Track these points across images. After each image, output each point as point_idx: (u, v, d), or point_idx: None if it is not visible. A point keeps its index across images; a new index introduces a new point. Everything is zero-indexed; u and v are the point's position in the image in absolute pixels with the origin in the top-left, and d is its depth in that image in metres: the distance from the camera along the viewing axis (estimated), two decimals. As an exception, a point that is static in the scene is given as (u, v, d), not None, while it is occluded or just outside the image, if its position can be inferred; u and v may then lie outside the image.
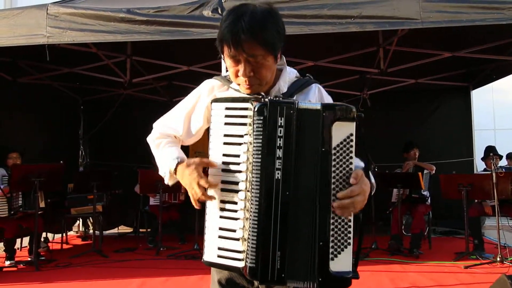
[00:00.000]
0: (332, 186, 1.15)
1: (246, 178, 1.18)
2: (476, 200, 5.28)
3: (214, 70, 5.52)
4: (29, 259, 5.01)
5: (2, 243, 5.04)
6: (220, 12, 3.67)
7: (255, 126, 1.15)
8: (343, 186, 1.15)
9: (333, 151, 1.14)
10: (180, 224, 6.20)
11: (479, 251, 4.93)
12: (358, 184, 1.15)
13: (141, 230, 6.59)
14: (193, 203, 1.28)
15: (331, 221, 1.15)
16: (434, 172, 5.66)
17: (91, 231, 6.39)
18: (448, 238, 6.38)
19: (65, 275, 4.38)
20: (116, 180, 6.07)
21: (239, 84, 1.30)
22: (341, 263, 1.15)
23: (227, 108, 1.23)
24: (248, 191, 1.17)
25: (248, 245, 1.15)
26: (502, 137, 9.69)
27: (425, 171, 5.64)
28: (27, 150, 5.48)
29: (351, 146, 1.14)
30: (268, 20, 1.21)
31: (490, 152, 5.40)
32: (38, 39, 3.81)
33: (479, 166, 6.61)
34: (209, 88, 1.44)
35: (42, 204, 5.23)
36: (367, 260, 4.80)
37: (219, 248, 1.22)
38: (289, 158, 1.14)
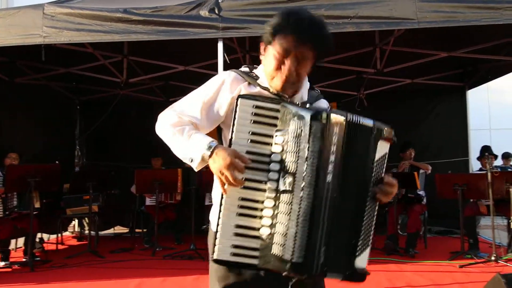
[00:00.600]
0: (369, 193, 1.29)
1: (279, 177, 1.22)
2: (471, 200, 5.31)
3: (211, 70, 5.52)
4: (24, 259, 4.98)
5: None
6: (217, 12, 3.67)
7: (312, 131, 1.20)
8: (377, 190, 1.31)
9: (374, 164, 1.28)
10: (176, 224, 6.19)
11: (474, 250, 4.95)
12: (392, 181, 1.32)
13: (137, 230, 6.57)
14: (221, 188, 1.25)
15: (364, 222, 1.28)
16: (430, 171, 5.69)
17: (86, 231, 6.36)
18: (443, 237, 6.41)
19: (61, 275, 4.36)
20: (112, 180, 6.05)
21: (272, 78, 1.34)
22: (363, 259, 1.28)
23: (256, 107, 1.24)
24: (284, 191, 1.21)
25: (293, 241, 1.19)
26: (498, 137, 9.74)
27: (421, 171, 5.66)
28: (24, 150, 5.46)
29: (384, 163, 1.32)
30: (323, 27, 1.33)
31: (486, 152, 5.43)
32: (35, 39, 3.80)
33: (475, 165, 6.64)
34: (231, 81, 1.40)
35: (37, 205, 5.20)
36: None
37: (234, 246, 1.22)
38: (339, 164, 1.23)
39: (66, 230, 6.95)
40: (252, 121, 1.24)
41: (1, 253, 4.92)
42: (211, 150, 1.26)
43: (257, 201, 1.23)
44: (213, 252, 1.24)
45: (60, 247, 5.99)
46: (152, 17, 3.68)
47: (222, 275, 1.37)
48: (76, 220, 7.00)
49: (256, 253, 1.23)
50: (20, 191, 5.00)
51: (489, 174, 4.66)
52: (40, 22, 3.78)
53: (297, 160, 1.21)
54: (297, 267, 1.20)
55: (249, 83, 1.39)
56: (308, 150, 1.20)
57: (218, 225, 1.24)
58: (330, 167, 1.21)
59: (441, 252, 5.12)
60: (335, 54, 5.64)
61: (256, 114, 1.24)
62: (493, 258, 4.50)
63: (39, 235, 5.67)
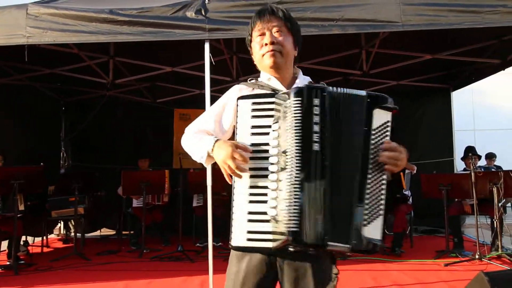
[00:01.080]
0: (370, 160, 1.31)
1: (278, 160, 1.31)
2: (456, 199, 5.39)
3: (198, 71, 5.53)
4: (7, 263, 4.91)
5: (-20, 247, 4.93)
6: (203, 13, 3.67)
7: (293, 107, 1.29)
8: (379, 158, 1.32)
9: (372, 132, 1.32)
10: (164, 226, 6.16)
11: (459, 249, 5.04)
12: (395, 146, 1.34)
13: (124, 232, 6.51)
14: (226, 178, 1.39)
15: (367, 191, 1.29)
16: (415, 172, 5.75)
17: (72, 233, 6.28)
18: (429, 236, 6.51)
19: (46, 279, 4.30)
20: (98, 182, 6.00)
21: (263, 59, 1.49)
22: (373, 230, 1.28)
23: (253, 103, 1.37)
24: (280, 170, 1.30)
25: (287, 214, 1.26)
26: (482, 137, 9.93)
27: (407, 171, 5.72)
28: (7, 152, 5.37)
29: (387, 131, 1.34)
30: (292, 17, 1.52)
31: (470, 152, 5.52)
32: (18, 39, 3.74)
33: (459, 166, 6.75)
34: (237, 90, 1.56)
35: (21, 207, 5.12)
36: (350, 259, 4.84)
37: (249, 232, 1.32)
38: (325, 133, 1.29)
39: (51, 232, 6.86)
40: (251, 117, 1.36)
41: (-16, 256, 4.84)
42: (213, 144, 1.40)
43: (263, 187, 1.32)
44: (230, 239, 1.34)
45: (46, 250, 5.92)
46: (138, 18, 3.66)
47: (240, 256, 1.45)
48: (62, 223, 6.92)
49: (269, 236, 1.30)
50: (3, 194, 4.92)
51: (472, 174, 4.74)
52: (24, 22, 3.72)
53: (287, 137, 1.30)
54: (295, 236, 1.25)
55: (253, 89, 1.53)
56: (293, 125, 1.28)
57: (232, 213, 1.34)
58: (316, 137, 1.27)
59: (427, 251, 5.20)
60: (321, 56, 5.70)
61: (254, 110, 1.36)
62: (477, 256, 4.58)
63: (23, 238, 5.59)
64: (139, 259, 5.15)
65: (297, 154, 1.27)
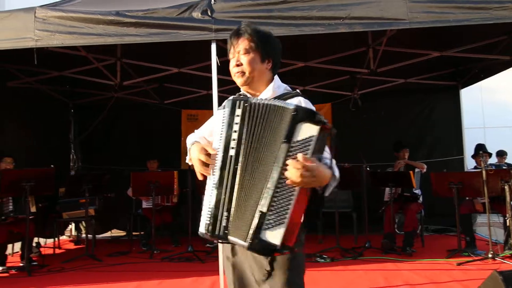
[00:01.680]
0: (283, 171, 1.35)
1: (222, 159, 1.48)
2: (467, 198, 5.33)
3: (205, 72, 5.54)
4: (21, 264, 4.96)
5: (-7, 249, 4.98)
6: (209, 14, 3.68)
7: (222, 116, 1.48)
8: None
9: (292, 144, 1.36)
10: (174, 227, 6.19)
11: (471, 248, 4.98)
12: (310, 163, 1.33)
13: (134, 233, 6.55)
14: (198, 175, 1.57)
15: (275, 198, 1.36)
16: (425, 170, 5.71)
17: (83, 235, 6.33)
18: (440, 236, 6.43)
19: (58, 280, 4.34)
20: (108, 184, 6.04)
21: (234, 76, 1.64)
22: (273, 235, 1.36)
23: (222, 112, 1.51)
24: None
25: (209, 207, 1.47)
26: (491, 135, 9.81)
27: (416, 170, 5.69)
28: (18, 155, 5.43)
29: (310, 145, 1.35)
30: (261, 31, 1.63)
31: (480, 150, 5.46)
32: (26, 43, 3.78)
33: (470, 164, 6.68)
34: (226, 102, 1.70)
35: (33, 209, 5.18)
36: (361, 259, 4.83)
37: (206, 220, 1.48)
38: (241, 140, 1.43)
39: (62, 234, 6.92)
40: (220, 124, 1.50)
41: (-2, 258, 4.90)
42: (190, 146, 1.64)
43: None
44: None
45: (57, 251, 5.97)
46: (144, 19, 3.67)
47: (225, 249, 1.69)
48: (73, 224, 6.97)
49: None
50: (15, 196, 4.97)
51: (483, 172, 4.68)
52: (32, 26, 3.76)
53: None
54: (207, 227, 1.46)
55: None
56: (221, 131, 1.47)
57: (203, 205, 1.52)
58: (233, 144, 1.44)
59: (438, 250, 5.15)
60: (328, 55, 5.68)
61: (221, 117, 1.51)
62: (490, 255, 4.52)
63: (35, 239, 5.65)
64: (150, 260, 5.17)
65: (218, 158, 1.46)
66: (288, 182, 1.33)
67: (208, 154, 1.52)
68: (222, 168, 1.45)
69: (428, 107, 7.17)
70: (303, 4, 3.61)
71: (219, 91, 3.63)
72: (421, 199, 5.69)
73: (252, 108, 1.44)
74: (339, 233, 5.30)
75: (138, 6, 3.81)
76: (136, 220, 6.40)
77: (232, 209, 1.42)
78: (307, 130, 1.35)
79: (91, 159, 7.50)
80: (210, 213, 1.45)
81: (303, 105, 1.54)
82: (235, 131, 1.44)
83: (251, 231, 1.38)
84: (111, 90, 6.53)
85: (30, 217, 4.85)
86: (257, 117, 1.43)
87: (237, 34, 1.61)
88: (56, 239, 6.11)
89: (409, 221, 5.29)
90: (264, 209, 1.36)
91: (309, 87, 6.69)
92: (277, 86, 1.66)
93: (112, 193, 6.46)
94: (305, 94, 5.93)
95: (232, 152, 1.44)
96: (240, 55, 1.60)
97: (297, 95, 1.64)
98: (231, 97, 1.54)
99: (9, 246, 5.31)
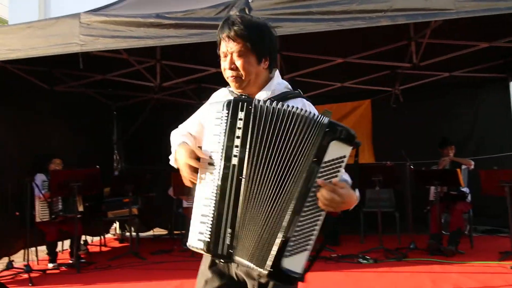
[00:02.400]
0: (311, 194, 1.24)
1: (219, 167, 1.32)
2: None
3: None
4: (70, 261, 5.18)
5: (45, 246, 5.23)
6: (247, 12, 3.66)
7: (222, 119, 1.30)
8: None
9: (323, 164, 1.23)
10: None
11: (526, 250, 4.69)
12: (343, 187, 1.25)
13: (175, 232, 6.68)
14: (185, 182, 1.43)
15: (299, 223, 1.24)
16: (472, 167, 5.43)
17: (127, 233, 6.52)
18: (491, 236, 6.10)
19: (105, 277, 4.49)
20: (150, 183, 6.18)
21: (227, 79, 1.48)
22: (294, 263, 1.25)
23: (217, 112, 1.35)
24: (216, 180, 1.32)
25: (207, 223, 1.30)
26: (546, 129, 9.19)
27: (463, 167, 5.42)
28: (65, 156, 5.68)
29: (340, 167, 1.25)
30: (256, 25, 1.43)
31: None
32: (72, 48, 3.92)
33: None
34: (217, 95, 1.60)
35: (80, 208, 5.40)
36: (405, 260, 4.66)
37: (200, 233, 1.33)
38: (245, 148, 1.27)
39: (108, 232, 7.17)
40: (214, 125, 1.35)
41: (49, 255, 5.14)
42: (176, 148, 1.49)
43: (212, 192, 1.33)
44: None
45: (103, 249, 6.18)
46: (183, 20, 3.71)
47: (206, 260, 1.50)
48: (117, 223, 7.20)
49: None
50: (64, 195, 5.20)
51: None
52: (77, 31, 3.89)
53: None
54: (207, 245, 1.30)
55: (227, 93, 1.55)
56: (220, 136, 1.30)
57: (192, 214, 1.37)
58: (236, 151, 1.27)
59: (489, 252, 4.87)
60: (367, 49, 5.52)
61: (216, 118, 1.34)
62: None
63: (83, 237, 5.88)
64: (192, 258, 5.20)
65: (218, 167, 1.29)
66: (322, 207, 1.24)
67: (198, 158, 1.37)
68: (224, 179, 1.28)
69: (476, 101, 6.81)
70: (343, -3, 3.52)
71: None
72: (469, 198, 5.42)
73: (261, 112, 1.28)
74: (381, 233, 5.15)
75: (177, 7, 3.86)
76: (177, 219, 6.51)
77: (237, 226, 1.28)
78: (340, 150, 1.23)
79: (133, 160, 7.71)
80: (209, 228, 1.29)
81: (307, 108, 1.40)
82: (238, 137, 1.28)
83: (270, 257, 1.25)
84: (151, 91, 6.67)
85: (78, 216, 5.05)
86: (269, 124, 1.26)
87: (229, 30, 1.40)
88: (102, 237, 6.33)
89: (454, 220, 5.06)
90: (288, 234, 1.24)
91: (347, 83, 6.54)
92: (276, 83, 1.51)
93: (154, 193, 6.61)
94: (343, 91, 5.81)
95: (235, 161, 1.27)
96: (234, 56, 1.42)
97: (298, 96, 1.50)
98: (227, 97, 1.42)
99: (59, 243, 5.55)
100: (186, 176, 1.41)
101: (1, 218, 4.74)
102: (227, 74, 1.46)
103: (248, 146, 1.27)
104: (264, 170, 1.27)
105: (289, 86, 1.55)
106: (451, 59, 5.59)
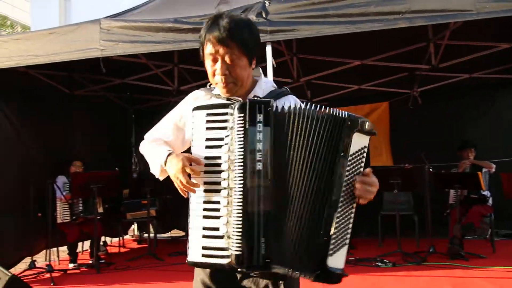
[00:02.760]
0: (343, 188, 1.23)
1: (228, 176, 1.26)
2: (544, 200, 4.90)
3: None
4: (90, 262, 5.28)
5: (66, 247, 5.34)
6: (264, 16, 3.68)
7: (237, 123, 1.24)
8: (353, 186, 1.25)
9: (349, 158, 1.23)
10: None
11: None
12: (371, 177, 1.26)
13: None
14: (181, 192, 1.35)
15: (337, 219, 1.22)
16: (494, 170, 5.33)
17: (145, 235, 6.61)
18: (513, 241, 5.97)
19: (125, 277, 4.56)
20: (166, 186, 6.23)
21: (216, 84, 1.41)
22: (337, 259, 1.23)
23: (208, 114, 1.31)
24: (230, 188, 1.25)
25: (233, 234, 1.21)
26: None
27: (484, 170, 5.32)
28: (85, 159, 5.79)
29: (363, 157, 1.25)
30: (246, 25, 1.36)
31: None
32: (93, 53, 4.01)
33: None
34: (193, 98, 1.52)
35: (100, 210, 5.49)
36: (425, 264, 4.59)
37: (204, 248, 1.27)
38: (269, 151, 1.22)
39: (126, 233, 7.27)
40: (206, 128, 1.31)
41: (70, 255, 5.25)
42: (165, 158, 1.38)
43: (216, 202, 1.27)
44: (187, 254, 1.31)
45: (122, 250, 6.28)
46: (201, 25, 3.70)
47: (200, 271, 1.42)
48: (136, 224, 7.30)
49: (224, 253, 1.25)
50: (84, 197, 5.30)
51: None
52: (97, 36, 3.98)
53: (234, 154, 1.24)
54: (237, 258, 1.21)
55: (211, 96, 1.47)
56: (236, 141, 1.23)
57: (189, 228, 1.31)
58: (259, 156, 1.21)
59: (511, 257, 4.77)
60: (384, 52, 5.47)
61: (208, 121, 1.31)
62: None
63: (102, 238, 5.99)
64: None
65: (240, 174, 1.22)
66: (359, 201, 1.25)
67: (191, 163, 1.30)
68: (246, 187, 1.21)
69: (496, 103, 6.67)
70: (359, 0, 3.51)
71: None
72: (490, 201, 5.32)
73: (280, 113, 1.24)
74: (399, 236, 5.09)
75: (194, 12, 3.90)
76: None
77: (271, 234, 1.21)
78: (361, 141, 1.24)
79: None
80: (238, 240, 1.20)
81: (297, 105, 1.38)
82: (259, 141, 1.22)
83: (315, 260, 1.22)
84: (169, 95, 6.75)
85: (98, 217, 5.14)
86: (291, 124, 1.23)
87: (219, 32, 1.30)
88: (121, 238, 6.43)
89: (470, 216, 4.97)
90: (330, 232, 1.22)
91: (365, 85, 6.49)
92: (264, 82, 1.47)
93: (171, 195, 6.68)
94: (361, 93, 5.76)
95: (259, 166, 1.21)
96: (226, 60, 1.34)
97: (288, 93, 1.48)
98: (243, 101, 1.30)
99: (79, 244, 5.66)
100: (182, 186, 1.31)
101: (24, 219, 4.86)
102: (217, 79, 1.38)
103: (271, 150, 1.22)
104: (292, 172, 1.23)
105: (275, 84, 1.53)
106: (471, 61, 5.49)
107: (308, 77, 6.01)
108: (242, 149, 1.23)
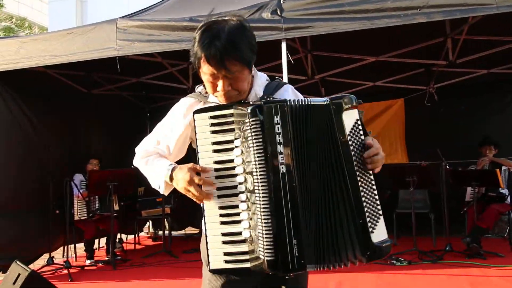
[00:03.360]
0: (355, 167, 1.25)
1: (245, 180, 1.24)
2: None
3: (275, 71, 5.52)
4: (106, 258, 5.35)
5: (83, 244, 5.43)
6: (279, 13, 3.67)
7: (252, 128, 1.20)
8: (362, 160, 1.27)
9: (348, 137, 1.24)
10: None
11: None
12: (374, 145, 1.28)
13: (207, 231, 6.76)
14: (196, 201, 1.32)
15: (364, 198, 1.24)
16: (514, 168, 5.23)
17: (160, 232, 6.67)
18: (532, 240, 5.84)
19: (140, 274, 4.61)
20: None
21: (216, 97, 1.38)
22: (380, 233, 1.25)
23: (211, 117, 1.28)
24: (249, 191, 1.23)
25: (262, 239, 1.19)
26: None
27: (503, 168, 5.22)
28: (102, 157, 5.87)
29: (360, 129, 1.27)
30: (242, 37, 1.31)
31: None
32: (109, 52, 4.06)
33: None
34: (186, 106, 1.49)
35: (116, 207, 5.56)
36: (441, 263, 4.54)
37: (225, 254, 1.27)
38: (295, 152, 1.21)
39: (142, 231, 7.35)
40: (211, 132, 1.28)
41: (87, 252, 5.33)
42: (169, 173, 1.35)
43: (234, 207, 1.27)
44: (208, 263, 1.30)
45: (138, 247, 6.35)
46: (216, 23, 3.76)
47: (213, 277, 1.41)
48: (150, 221, 7.37)
49: (246, 257, 1.25)
50: (100, 195, 5.38)
51: None
52: (114, 36, 4.02)
53: (251, 158, 1.21)
54: (272, 265, 1.20)
55: (204, 102, 1.45)
56: (254, 146, 1.20)
57: (206, 236, 1.30)
58: (281, 158, 1.19)
59: (531, 256, 4.69)
60: (400, 48, 5.40)
61: (213, 124, 1.28)
62: None
63: (118, 235, 6.06)
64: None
65: (263, 179, 1.20)
66: (373, 170, 1.28)
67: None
68: (276, 189, 1.19)
69: (516, 99, 6.56)
70: (376, -6, 3.47)
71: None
72: (508, 199, 5.22)
73: (293, 111, 1.23)
74: (415, 235, 5.03)
75: (210, 10, 3.90)
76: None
77: (302, 235, 1.20)
78: (351, 116, 1.26)
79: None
80: (269, 245, 1.18)
81: (294, 93, 1.47)
82: (280, 143, 1.20)
83: (360, 243, 1.23)
84: (184, 93, 6.75)
85: (114, 215, 5.21)
86: (299, 122, 1.23)
87: (217, 53, 1.26)
88: (136, 235, 6.50)
89: (485, 217, 4.88)
90: (362, 213, 1.23)
91: (379, 82, 6.43)
92: (259, 77, 1.47)
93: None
94: (376, 90, 5.69)
95: (283, 169, 1.19)
96: (227, 79, 1.30)
97: (283, 83, 1.50)
98: (253, 102, 1.28)
99: (95, 241, 5.75)
100: (198, 195, 1.28)
101: (43, 216, 4.95)
102: (218, 94, 1.35)
103: (292, 150, 1.21)
104: (309, 168, 1.23)
105: (267, 77, 1.52)
106: (489, 56, 5.39)
107: (323, 74, 5.97)
108: (263, 153, 1.20)
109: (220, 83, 1.31)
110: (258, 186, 1.20)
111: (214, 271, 1.30)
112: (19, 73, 4.46)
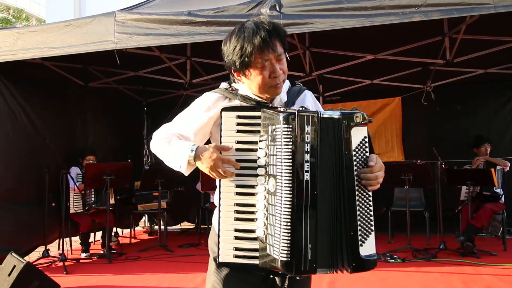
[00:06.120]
0: (355, 182, 1.29)
1: (265, 181, 1.30)
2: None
3: (271, 68, 5.54)
4: (102, 252, 5.36)
5: (78, 237, 5.43)
6: (277, 9, 3.67)
7: (283, 133, 1.25)
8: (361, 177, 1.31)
9: (353, 152, 1.29)
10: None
11: None
12: (376, 164, 1.32)
13: (202, 226, 6.78)
14: (218, 177, 1.35)
15: (359, 212, 1.29)
16: (508, 168, 5.27)
17: (156, 226, 6.68)
18: (525, 239, 5.90)
19: (135, 267, 4.63)
20: (179, 178, 6.29)
21: (265, 89, 1.40)
22: (368, 247, 1.29)
23: (239, 117, 1.34)
24: (268, 193, 1.29)
25: (279, 241, 1.24)
26: None
27: (498, 167, 5.27)
28: (98, 150, 5.86)
29: (366, 146, 1.31)
30: (279, 26, 1.42)
31: None
32: (107, 45, 4.03)
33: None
34: (212, 101, 1.49)
35: (112, 201, 5.57)
36: (435, 261, 4.58)
37: (236, 249, 1.33)
38: (315, 162, 1.26)
39: (137, 225, 7.36)
40: (237, 131, 1.34)
41: (82, 245, 5.33)
42: (194, 153, 1.35)
43: (250, 205, 1.33)
44: (218, 255, 1.36)
45: (133, 241, 6.36)
46: (215, 18, 3.75)
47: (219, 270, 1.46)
48: (146, 216, 7.38)
49: (256, 254, 1.32)
50: (97, 188, 5.37)
51: None
52: (112, 29, 3.99)
53: (277, 162, 1.26)
54: (286, 265, 1.24)
55: (230, 99, 1.47)
56: (283, 152, 1.24)
57: (219, 230, 1.35)
58: (307, 166, 1.25)
59: (523, 255, 4.73)
60: (398, 46, 5.41)
61: (239, 124, 1.34)
62: None
63: (114, 229, 6.07)
64: (218, 252, 5.31)
65: (287, 184, 1.24)
66: (370, 188, 1.31)
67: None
68: (298, 196, 1.24)
69: (511, 99, 6.58)
70: (375, -8, 3.47)
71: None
72: (503, 199, 5.26)
73: (322, 121, 1.28)
74: (410, 233, 5.06)
75: (208, 5, 3.90)
76: (204, 214, 6.61)
77: (316, 240, 1.26)
78: (360, 133, 1.30)
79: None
80: (286, 247, 1.23)
81: (313, 99, 1.52)
82: (307, 151, 1.25)
83: (348, 254, 1.28)
84: (181, 88, 6.78)
85: (110, 208, 5.21)
86: (324, 133, 1.28)
87: (266, 40, 1.34)
88: (132, 229, 6.51)
89: (479, 216, 4.92)
90: (355, 226, 1.28)
91: (377, 80, 6.44)
92: (284, 87, 1.48)
93: (182, 187, 6.73)
94: (373, 88, 5.72)
95: (307, 176, 1.24)
96: (278, 62, 1.38)
97: (304, 89, 1.55)
98: (286, 111, 1.30)
99: (91, 234, 5.74)
100: (220, 174, 1.32)
101: (39, 209, 4.95)
102: (274, 82, 1.39)
103: (317, 160, 1.26)
104: (328, 177, 1.28)
105: (288, 82, 1.55)
106: (486, 56, 5.41)
107: (321, 71, 5.98)
108: (291, 159, 1.24)
109: (276, 66, 1.37)
110: (281, 189, 1.25)
111: (223, 264, 1.37)
112: (16, 64, 4.44)
